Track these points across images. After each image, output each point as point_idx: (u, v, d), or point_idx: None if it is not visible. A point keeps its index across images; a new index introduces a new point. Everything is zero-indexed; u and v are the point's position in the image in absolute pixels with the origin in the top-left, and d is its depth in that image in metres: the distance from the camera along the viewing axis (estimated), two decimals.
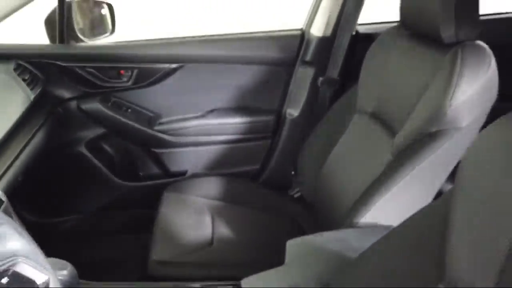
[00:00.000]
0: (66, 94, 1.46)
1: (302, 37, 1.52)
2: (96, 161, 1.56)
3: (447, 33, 0.96)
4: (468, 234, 0.56)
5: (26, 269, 0.51)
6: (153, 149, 1.60)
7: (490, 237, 0.53)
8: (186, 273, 1.09)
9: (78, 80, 1.44)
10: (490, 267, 0.52)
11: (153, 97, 1.54)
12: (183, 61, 1.49)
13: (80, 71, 1.43)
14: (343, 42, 1.43)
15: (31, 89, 1.27)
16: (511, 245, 0.50)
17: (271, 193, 1.55)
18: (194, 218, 1.31)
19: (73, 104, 1.47)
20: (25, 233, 0.53)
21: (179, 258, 1.14)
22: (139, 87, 1.51)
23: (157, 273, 1.10)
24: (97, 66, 1.44)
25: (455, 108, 0.90)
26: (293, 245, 0.91)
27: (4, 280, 0.48)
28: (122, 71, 1.47)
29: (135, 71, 1.48)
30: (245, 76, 1.56)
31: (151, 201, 1.42)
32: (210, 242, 1.22)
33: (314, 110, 1.53)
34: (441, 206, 0.63)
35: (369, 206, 0.97)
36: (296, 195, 1.61)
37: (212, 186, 1.47)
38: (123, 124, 1.52)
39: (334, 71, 1.48)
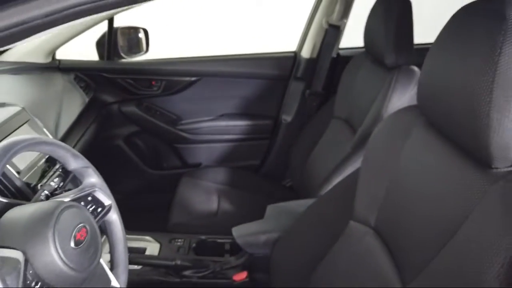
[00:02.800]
0: (110, 99, 1.82)
1: (294, 58, 1.86)
2: (130, 153, 1.91)
3: (389, 60, 1.28)
4: (365, 188, 0.89)
5: (100, 195, 0.86)
6: (174, 145, 1.95)
7: (376, 190, 0.85)
8: (195, 231, 1.42)
9: (119, 88, 1.80)
10: (374, 207, 0.85)
11: (177, 103, 1.89)
12: (200, 75, 1.83)
13: (121, 82, 1.79)
14: (325, 63, 1.76)
15: (86, 94, 1.65)
16: (386, 194, 0.82)
17: (267, 182, 1.87)
18: (204, 197, 1.65)
19: (115, 107, 1.83)
20: (100, 175, 0.88)
21: (191, 222, 1.48)
22: (166, 95, 1.86)
23: (174, 231, 1.44)
24: (134, 78, 1.80)
25: (389, 113, 1.22)
26: (271, 208, 1.25)
27: (90, 198, 0.83)
28: (153, 82, 1.83)
29: (163, 82, 1.83)
30: (249, 88, 1.89)
31: (172, 186, 1.75)
32: (215, 214, 1.56)
33: (303, 116, 1.86)
34: (356, 173, 0.95)
35: (329, 183, 1.29)
36: (288, 185, 1.93)
37: (220, 175, 1.80)
38: (152, 124, 1.87)
39: (318, 86, 1.81)
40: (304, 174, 1.63)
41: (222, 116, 1.93)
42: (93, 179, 0.86)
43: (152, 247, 1.22)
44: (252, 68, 1.87)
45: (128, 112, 1.84)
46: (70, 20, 0.53)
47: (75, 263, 0.69)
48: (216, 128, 1.92)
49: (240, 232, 1.13)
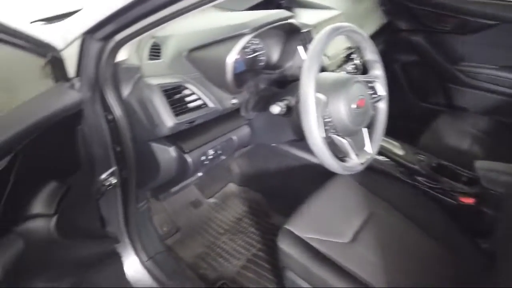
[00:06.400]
0: (402, 26, 1.92)
1: None
2: (402, 79, 2.04)
3: None
4: None
5: (378, 86, 1.07)
6: (447, 83, 1.92)
7: None
8: None
9: (415, 18, 1.86)
10: None
11: (464, 44, 1.82)
12: (499, 20, 1.66)
13: (418, 12, 1.82)
14: None
15: (385, 17, 1.84)
16: None
17: None
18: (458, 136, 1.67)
19: (405, 34, 1.93)
20: (384, 71, 1.08)
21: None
22: (455, 33, 1.81)
23: None
24: (432, 11, 1.78)
25: None
26: None
27: (370, 85, 1.06)
28: (447, 19, 1.80)
29: (457, 21, 1.76)
30: None
31: (427, 120, 1.76)
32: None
33: None
34: None
35: None
36: None
37: (479, 122, 1.73)
38: (432, 58, 1.90)
39: None
40: None
41: (505, 67, 1.77)
42: (378, 72, 1.07)
43: (397, 150, 1.40)
44: None
45: (415, 41, 1.92)
46: None
47: (351, 118, 0.95)
48: (496, 78, 1.79)
49: (484, 165, 1.17)
